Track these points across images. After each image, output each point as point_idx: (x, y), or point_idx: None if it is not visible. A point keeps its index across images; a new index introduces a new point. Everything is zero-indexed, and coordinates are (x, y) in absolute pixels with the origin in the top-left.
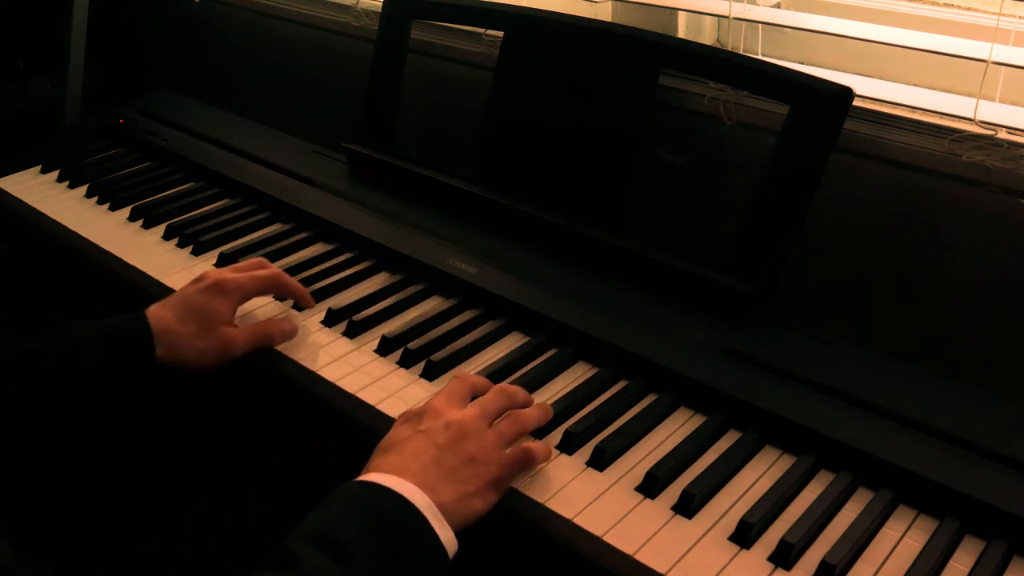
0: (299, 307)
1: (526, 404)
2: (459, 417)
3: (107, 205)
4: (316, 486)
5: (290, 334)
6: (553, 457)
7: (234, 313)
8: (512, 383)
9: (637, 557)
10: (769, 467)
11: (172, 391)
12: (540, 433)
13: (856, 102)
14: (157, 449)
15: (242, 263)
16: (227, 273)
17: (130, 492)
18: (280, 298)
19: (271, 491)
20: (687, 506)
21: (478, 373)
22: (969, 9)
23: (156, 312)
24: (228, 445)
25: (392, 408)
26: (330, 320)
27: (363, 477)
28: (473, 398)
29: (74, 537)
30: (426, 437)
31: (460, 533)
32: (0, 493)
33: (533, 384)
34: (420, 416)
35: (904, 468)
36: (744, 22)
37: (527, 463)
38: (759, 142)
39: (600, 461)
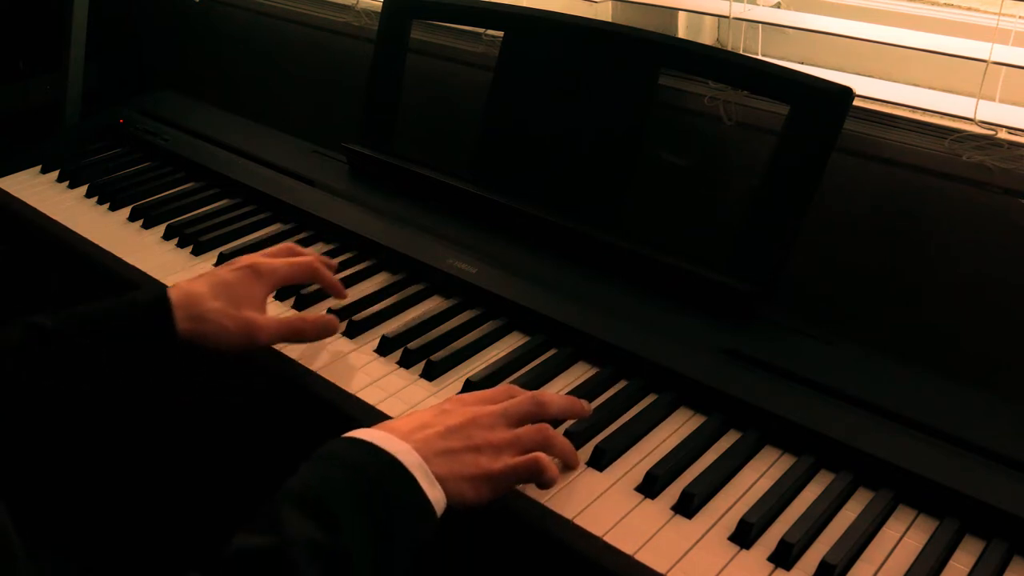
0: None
1: (569, 415)
2: (478, 408)
3: (107, 205)
4: None
5: (326, 332)
6: (580, 470)
7: (266, 298)
8: (512, 383)
9: (637, 557)
10: (769, 467)
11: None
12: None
13: (856, 102)
14: (157, 444)
15: (273, 248)
16: (262, 257)
17: (128, 488)
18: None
19: (268, 491)
20: (687, 506)
21: (478, 373)
22: (969, 9)
23: (183, 284)
24: (226, 444)
25: (392, 408)
26: None
27: (350, 433)
28: None
29: (86, 531)
30: (439, 415)
31: (456, 529)
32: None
33: (533, 384)
34: (445, 401)
35: (904, 468)
36: (744, 22)
37: (534, 471)
38: (759, 142)
39: (600, 461)
